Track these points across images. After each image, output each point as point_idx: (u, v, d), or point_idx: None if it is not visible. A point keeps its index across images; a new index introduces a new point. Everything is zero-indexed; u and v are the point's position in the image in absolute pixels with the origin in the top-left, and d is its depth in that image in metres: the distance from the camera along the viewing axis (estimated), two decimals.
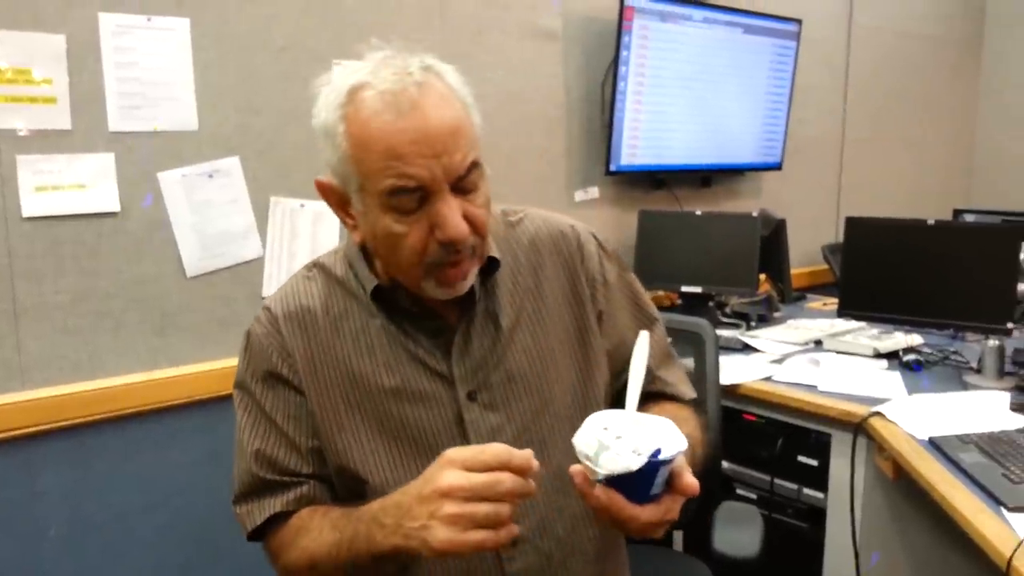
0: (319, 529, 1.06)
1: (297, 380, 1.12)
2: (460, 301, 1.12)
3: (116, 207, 1.79)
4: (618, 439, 0.85)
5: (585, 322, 1.21)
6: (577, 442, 0.88)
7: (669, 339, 1.34)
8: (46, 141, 1.70)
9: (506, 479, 0.86)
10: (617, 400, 1.20)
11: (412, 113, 0.97)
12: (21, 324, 1.70)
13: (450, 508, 0.85)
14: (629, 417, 0.91)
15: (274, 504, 1.11)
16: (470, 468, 0.87)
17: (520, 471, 0.87)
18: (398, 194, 0.98)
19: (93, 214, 1.77)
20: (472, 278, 1.08)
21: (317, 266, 1.20)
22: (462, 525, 0.85)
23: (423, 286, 1.05)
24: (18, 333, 1.70)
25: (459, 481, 0.86)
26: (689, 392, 1.30)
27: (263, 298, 2.02)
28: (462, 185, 1.01)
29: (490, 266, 1.13)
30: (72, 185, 1.73)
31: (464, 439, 1.10)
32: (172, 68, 1.84)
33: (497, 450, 0.87)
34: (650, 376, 1.25)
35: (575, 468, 0.90)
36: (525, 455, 0.87)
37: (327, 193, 1.08)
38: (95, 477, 1.80)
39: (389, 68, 1.01)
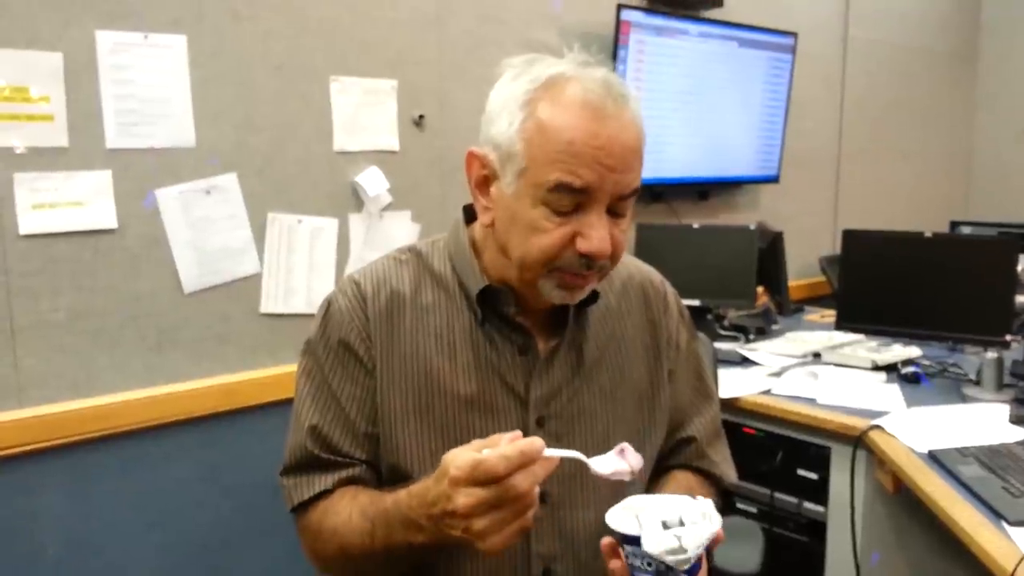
0: (348, 513, 1.04)
1: (371, 364, 1.09)
2: (550, 325, 1.12)
3: (113, 224, 1.79)
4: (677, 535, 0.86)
5: (658, 376, 1.21)
6: (654, 543, 0.85)
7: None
8: (43, 158, 1.70)
9: (518, 484, 0.83)
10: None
11: (608, 121, 0.97)
12: (18, 342, 1.70)
13: (478, 524, 0.84)
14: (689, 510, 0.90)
15: (324, 481, 1.08)
16: (478, 482, 0.84)
17: (528, 463, 0.84)
18: (560, 190, 0.97)
19: (90, 231, 1.76)
20: (587, 292, 1.07)
21: (412, 251, 1.17)
22: (497, 530, 0.85)
23: (540, 284, 1.03)
24: (15, 351, 1.69)
25: (471, 502, 0.84)
26: (731, 474, 1.30)
27: (261, 314, 2.03)
28: (618, 207, 1.01)
29: (588, 297, 1.12)
30: (69, 202, 1.73)
31: None
32: (169, 85, 1.84)
33: (493, 465, 0.83)
34: (699, 452, 1.26)
35: (607, 542, 0.92)
36: (526, 450, 0.84)
37: (475, 165, 1.06)
38: (93, 495, 1.80)
39: (594, 72, 1.01)
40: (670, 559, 0.84)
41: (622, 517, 0.91)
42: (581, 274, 1.02)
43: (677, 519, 0.86)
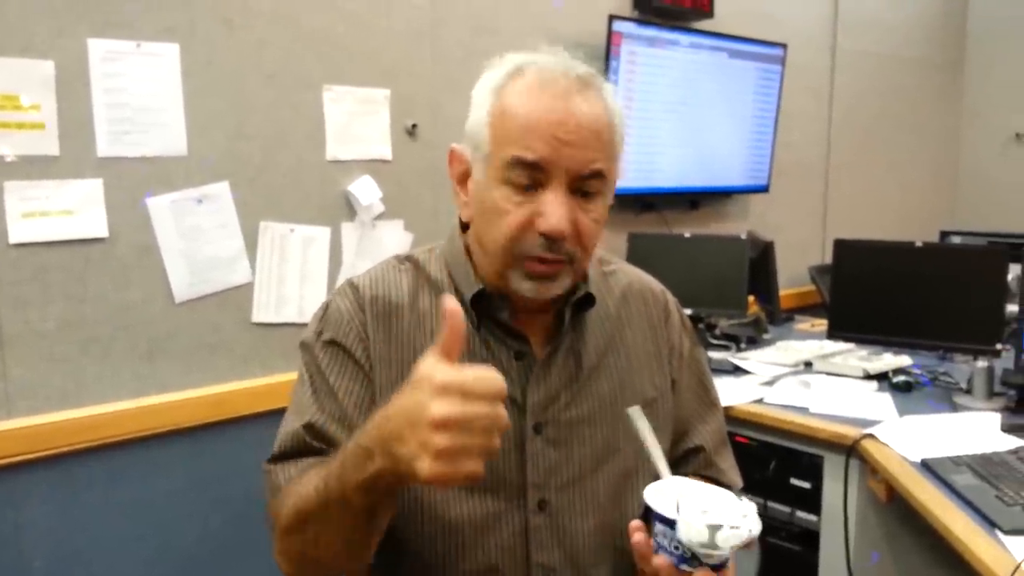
0: (310, 476, 0.97)
1: (367, 364, 1.08)
2: (548, 331, 1.11)
3: (104, 233, 1.78)
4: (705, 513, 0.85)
5: (661, 384, 1.20)
6: (688, 532, 0.84)
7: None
8: (34, 167, 1.69)
9: (502, 415, 0.78)
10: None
11: (563, 99, 0.98)
12: (7, 352, 1.68)
13: (443, 441, 0.76)
14: (709, 492, 0.91)
15: (309, 462, 1.03)
16: (464, 395, 0.77)
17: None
18: (516, 166, 0.98)
19: (81, 240, 1.75)
20: (562, 287, 1.04)
21: (410, 260, 1.17)
22: (454, 458, 0.77)
23: (509, 276, 1.03)
24: (4, 361, 1.68)
25: (454, 413, 0.76)
26: (738, 481, 1.28)
27: (252, 323, 2.02)
28: (581, 188, 1.00)
29: (585, 302, 1.11)
30: (60, 211, 1.72)
31: (522, 467, 1.06)
32: (161, 94, 1.84)
33: (493, 381, 0.78)
34: (707, 461, 1.25)
35: (635, 525, 0.89)
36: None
37: (454, 160, 1.09)
38: (81, 507, 1.78)
39: (558, 59, 1.04)
40: (701, 551, 0.84)
41: (661, 495, 0.89)
42: (544, 259, 1.00)
43: (718, 515, 0.85)
